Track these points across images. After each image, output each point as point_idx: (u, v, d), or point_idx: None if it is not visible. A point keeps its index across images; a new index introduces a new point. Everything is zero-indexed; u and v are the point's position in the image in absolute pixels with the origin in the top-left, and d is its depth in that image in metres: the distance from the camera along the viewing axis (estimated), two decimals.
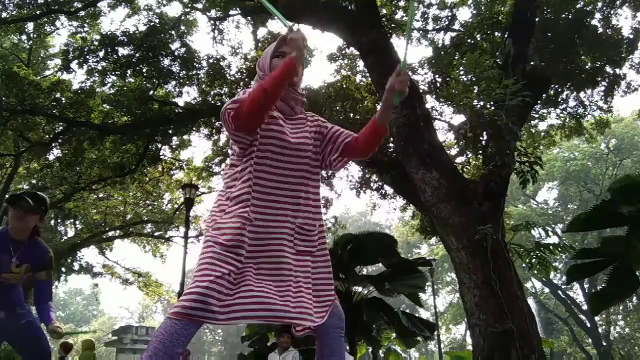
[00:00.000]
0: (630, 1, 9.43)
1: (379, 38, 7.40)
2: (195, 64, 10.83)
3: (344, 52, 11.26)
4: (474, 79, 6.74)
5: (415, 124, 6.61)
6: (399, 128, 6.69)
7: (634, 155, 26.90)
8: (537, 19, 7.56)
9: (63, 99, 10.84)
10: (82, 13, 11.61)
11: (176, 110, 10.87)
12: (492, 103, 5.92)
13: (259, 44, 11.32)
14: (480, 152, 6.60)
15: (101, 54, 10.51)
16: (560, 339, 31.29)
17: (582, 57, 9.20)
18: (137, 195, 17.01)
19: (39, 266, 2.79)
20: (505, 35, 7.73)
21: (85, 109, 10.84)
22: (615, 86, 9.61)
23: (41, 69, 15.37)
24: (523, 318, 5.21)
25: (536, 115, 10.44)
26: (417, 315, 11.10)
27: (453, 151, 9.88)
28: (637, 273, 5.80)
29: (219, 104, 10.63)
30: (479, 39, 8.92)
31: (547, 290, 30.16)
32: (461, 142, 6.98)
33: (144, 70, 10.59)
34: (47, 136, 11.68)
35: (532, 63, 7.27)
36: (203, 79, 10.96)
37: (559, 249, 6.55)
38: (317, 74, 66.63)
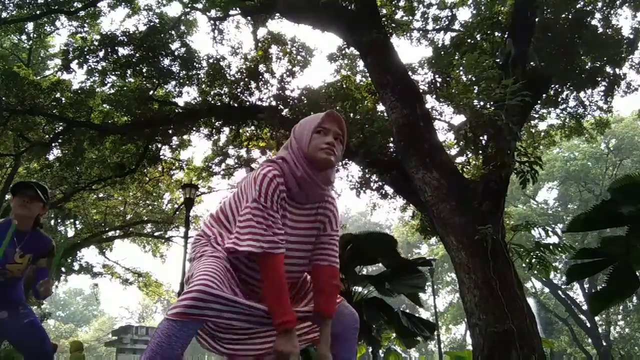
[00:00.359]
0: (630, 1, 9.44)
1: (379, 38, 7.39)
2: (195, 64, 10.83)
3: (344, 52, 11.27)
4: (474, 79, 6.74)
5: (415, 124, 6.60)
6: (399, 128, 6.69)
7: (634, 155, 26.90)
8: (537, 19, 7.56)
9: (63, 99, 10.83)
10: (82, 13, 11.62)
11: (176, 110, 10.86)
12: (492, 103, 5.91)
13: (259, 44, 11.32)
14: (480, 152, 6.60)
15: (101, 54, 10.51)
16: (560, 339, 31.29)
17: (582, 57, 9.19)
18: (137, 195, 17.01)
19: (41, 256, 2.81)
20: (505, 35, 7.72)
21: (85, 109, 10.84)
22: (615, 86, 9.61)
23: (41, 69, 15.38)
24: (523, 318, 5.20)
25: (536, 115, 10.43)
26: (417, 315, 11.09)
27: (453, 151, 9.86)
28: (637, 273, 5.79)
29: (219, 104, 10.63)
30: (479, 39, 8.92)
31: (547, 290, 30.15)
32: (461, 142, 6.97)
33: (144, 70, 10.59)
34: (47, 136, 11.67)
35: (532, 63, 7.26)
36: (203, 79, 10.96)
37: (559, 249, 6.54)
38: (317, 74, 66.60)
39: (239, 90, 10.63)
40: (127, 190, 15.82)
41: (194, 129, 11.67)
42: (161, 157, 13.11)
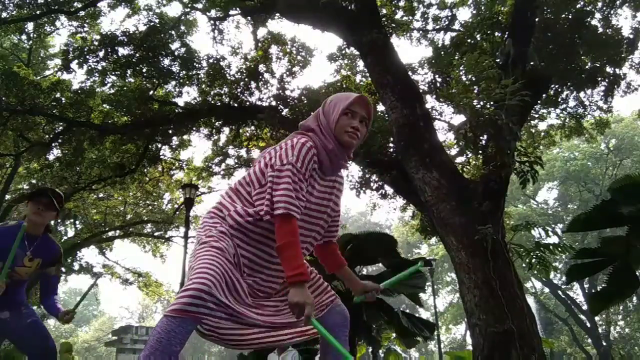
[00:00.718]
0: (630, 1, 9.43)
1: (379, 38, 7.39)
2: (195, 64, 10.84)
3: (344, 52, 11.27)
4: (474, 79, 6.74)
5: (415, 124, 6.60)
6: (399, 128, 6.68)
7: (634, 155, 26.90)
8: (537, 19, 7.56)
9: (63, 99, 10.83)
10: (82, 13, 11.61)
11: (176, 110, 10.86)
12: (492, 103, 5.91)
13: (259, 44, 11.33)
14: (480, 152, 6.59)
15: (101, 54, 10.51)
16: (560, 339, 31.30)
17: (582, 57, 9.18)
18: (137, 195, 17.00)
19: (50, 262, 2.84)
20: (505, 35, 7.73)
21: (85, 109, 10.84)
22: (615, 86, 9.60)
23: (41, 69, 15.37)
24: (523, 318, 5.20)
25: (536, 115, 10.43)
26: (417, 315, 11.10)
27: (453, 151, 9.87)
28: (637, 273, 5.79)
29: (219, 104, 10.64)
30: (479, 39, 8.92)
31: (547, 290, 30.16)
32: (461, 142, 6.96)
33: (144, 70, 10.59)
34: (47, 136, 11.68)
35: (532, 63, 7.26)
36: (203, 79, 10.97)
37: (559, 249, 6.54)
38: (317, 74, 66.63)
39: (239, 90, 10.64)
40: (127, 190, 15.82)
41: (194, 129, 11.68)
42: (161, 157, 13.12)
